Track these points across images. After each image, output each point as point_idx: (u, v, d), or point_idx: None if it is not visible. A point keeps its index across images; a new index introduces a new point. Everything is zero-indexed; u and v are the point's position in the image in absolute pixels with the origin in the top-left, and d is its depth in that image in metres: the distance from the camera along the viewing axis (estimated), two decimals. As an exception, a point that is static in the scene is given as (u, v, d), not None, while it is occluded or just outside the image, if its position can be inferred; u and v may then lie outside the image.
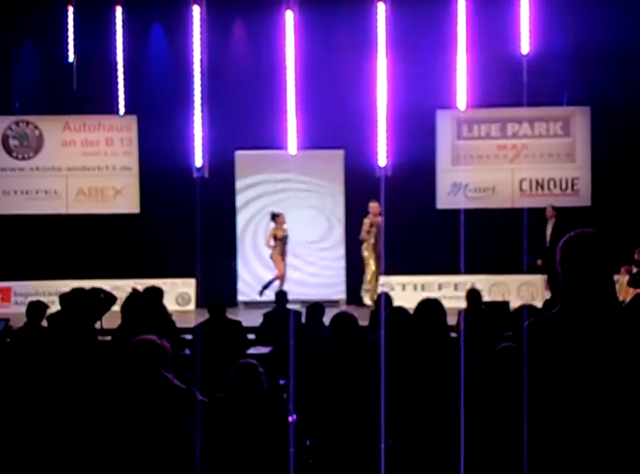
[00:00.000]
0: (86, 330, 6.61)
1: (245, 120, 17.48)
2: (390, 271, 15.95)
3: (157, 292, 9.42)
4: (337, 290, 17.58)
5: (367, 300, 16.07)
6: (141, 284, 10.37)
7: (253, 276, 18.01)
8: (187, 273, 17.24)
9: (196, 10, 17.92)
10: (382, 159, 17.64)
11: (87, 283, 10.70)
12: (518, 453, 3.51)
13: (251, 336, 10.98)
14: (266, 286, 16.62)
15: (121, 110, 18.27)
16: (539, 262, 16.19)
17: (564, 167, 17.94)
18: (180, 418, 3.58)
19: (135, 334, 4.21)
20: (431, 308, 5.93)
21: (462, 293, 12.44)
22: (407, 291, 16.75)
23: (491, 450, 4.50)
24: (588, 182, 17.87)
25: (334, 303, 16.39)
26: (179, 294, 17.50)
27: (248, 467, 3.70)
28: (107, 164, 18.51)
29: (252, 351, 9.92)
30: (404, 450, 5.71)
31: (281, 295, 11.56)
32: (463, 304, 10.95)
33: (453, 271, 15.74)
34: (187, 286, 17.62)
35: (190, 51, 17.99)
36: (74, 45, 18.13)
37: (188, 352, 9.69)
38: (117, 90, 18.14)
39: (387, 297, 9.78)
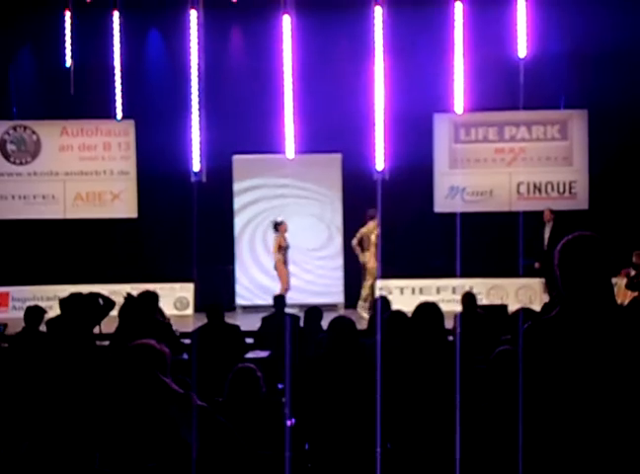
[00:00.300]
0: (85, 334, 6.61)
1: (242, 125, 17.48)
2: (388, 274, 15.95)
3: (152, 297, 9.41)
4: (335, 295, 17.57)
5: (364, 314, 15.67)
6: (139, 289, 10.38)
7: (250, 280, 18.01)
8: (185, 277, 17.24)
9: (193, 14, 17.91)
10: (380, 163, 17.63)
11: (85, 288, 10.71)
12: (515, 456, 3.51)
13: (249, 340, 10.98)
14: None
15: (119, 114, 18.26)
16: (537, 265, 16.19)
17: (561, 170, 17.95)
18: (178, 422, 3.57)
19: (132, 339, 4.21)
20: (428, 312, 5.93)
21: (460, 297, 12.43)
22: (405, 295, 16.75)
23: (488, 453, 4.50)
24: (585, 185, 17.88)
25: (332, 307, 16.39)
26: (177, 299, 17.50)
27: (246, 471, 3.70)
28: (104, 169, 18.51)
29: (250, 355, 9.92)
30: (402, 454, 5.71)
31: (280, 299, 11.56)
32: (460, 308, 10.95)
33: (451, 274, 15.72)
34: (185, 291, 17.62)
35: (187, 56, 17.98)
36: (71, 50, 18.11)
37: (186, 356, 9.68)
38: (114, 95, 18.13)
39: (385, 301, 9.78)
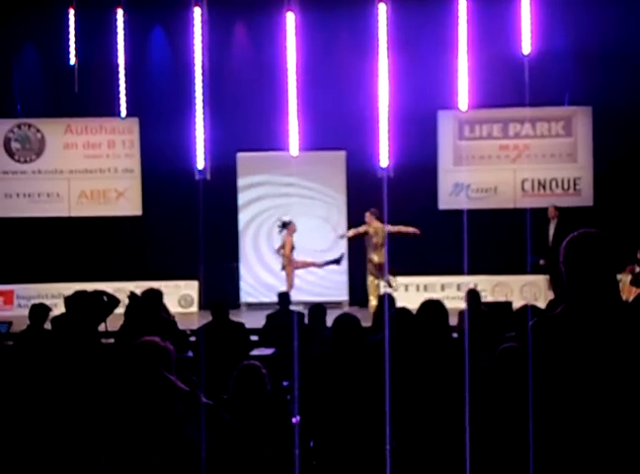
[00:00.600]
0: (89, 332, 6.60)
1: (246, 122, 17.48)
2: (393, 271, 15.93)
3: (156, 295, 9.40)
4: (339, 292, 17.56)
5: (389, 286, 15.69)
6: (143, 287, 10.36)
7: (254, 277, 18.02)
8: (189, 275, 17.25)
9: (197, 12, 17.91)
10: (384, 160, 17.63)
11: (90, 286, 10.70)
12: (522, 453, 3.51)
13: (254, 337, 10.98)
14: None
15: (123, 112, 18.27)
16: (542, 262, 16.15)
17: (566, 167, 17.94)
18: (184, 420, 3.57)
19: (137, 337, 4.21)
20: (433, 309, 5.93)
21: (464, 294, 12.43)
22: (410, 292, 16.76)
23: (495, 450, 4.50)
24: (590, 182, 17.87)
25: (336, 305, 16.38)
26: (181, 296, 17.52)
27: (252, 469, 3.70)
28: (109, 166, 18.53)
29: (255, 352, 9.92)
30: (408, 451, 5.71)
31: (284, 297, 11.54)
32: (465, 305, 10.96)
33: (456, 271, 15.72)
34: (189, 288, 17.63)
35: (191, 53, 17.98)
36: (75, 48, 18.13)
37: (191, 354, 9.69)
38: (118, 92, 18.14)
39: (390, 298, 9.78)
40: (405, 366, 5.84)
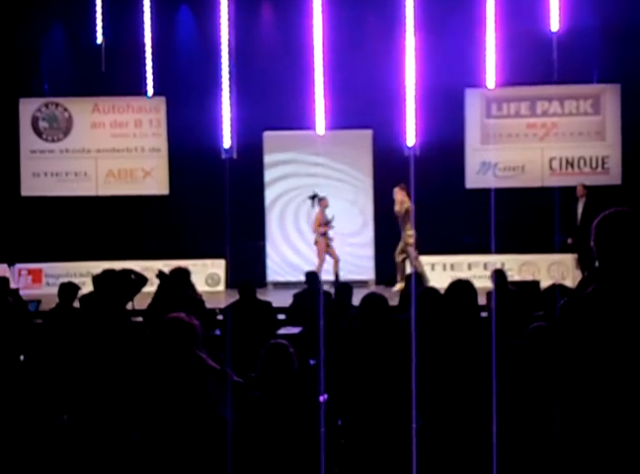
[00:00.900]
0: (118, 311, 6.65)
1: (273, 101, 17.45)
2: (419, 250, 15.90)
3: (184, 273, 9.43)
4: (366, 271, 17.54)
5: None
6: (170, 266, 10.41)
7: (280, 256, 18.05)
8: (216, 253, 17.29)
9: (223, -10, 17.88)
10: (411, 138, 17.56)
11: (117, 265, 10.78)
12: (552, 432, 3.50)
13: (281, 316, 11.00)
14: (336, 278, 16.18)
15: (150, 91, 18.30)
16: (570, 241, 16.06)
17: (594, 145, 17.81)
18: (215, 398, 3.59)
19: (165, 315, 4.22)
20: (462, 289, 5.91)
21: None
22: (436, 271, 16.72)
23: (524, 430, 4.49)
24: (618, 160, 17.74)
25: (363, 284, 16.38)
26: (208, 275, 17.56)
27: (282, 447, 3.71)
28: (136, 145, 18.58)
29: (282, 331, 9.94)
30: (435, 430, 5.71)
31: (312, 276, 11.52)
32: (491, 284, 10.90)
33: (483, 250, 15.67)
34: (216, 267, 17.68)
35: (217, 32, 17.96)
36: (102, 27, 18.15)
37: (218, 332, 9.72)
38: (145, 71, 18.16)
39: (418, 277, 9.77)
40: (433, 345, 5.84)
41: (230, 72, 17.94)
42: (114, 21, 18.09)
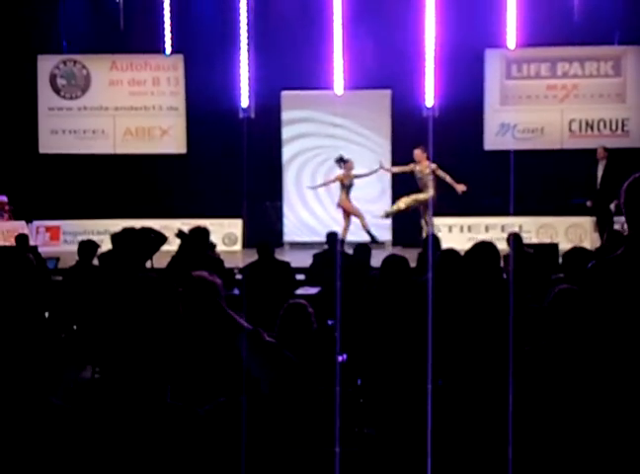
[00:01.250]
0: (137, 269, 6.65)
1: (291, 60, 17.36)
2: (437, 212, 15.86)
3: (203, 233, 9.44)
4: (383, 232, 17.49)
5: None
6: (188, 225, 10.43)
7: (297, 217, 18.04)
8: (233, 213, 17.29)
9: (242, -52, 17.73)
10: (430, 99, 17.46)
11: (134, 223, 10.75)
12: (578, 394, 3.50)
13: (299, 276, 11.00)
14: (372, 237, 16.13)
15: (168, 49, 18.23)
16: (589, 203, 15.93)
17: (614, 107, 17.68)
18: (247, 357, 3.60)
19: (185, 273, 4.22)
20: (485, 251, 5.89)
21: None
22: (453, 233, 16.69)
23: (544, 393, 4.50)
24: (638, 122, 17.60)
25: (380, 245, 16.36)
26: (225, 235, 17.58)
27: (311, 407, 3.73)
28: (153, 104, 18.55)
29: (300, 291, 9.94)
30: (454, 391, 5.73)
31: (332, 236, 11.45)
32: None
33: (501, 212, 15.63)
34: (233, 227, 17.69)
35: (236, -10, 17.84)
36: (120, -16, 18.07)
37: (237, 292, 9.74)
38: (163, 29, 18.09)
39: (435, 239, 9.75)
40: (454, 307, 5.83)
41: (248, 31, 17.84)
42: (132, -22, 18.01)
